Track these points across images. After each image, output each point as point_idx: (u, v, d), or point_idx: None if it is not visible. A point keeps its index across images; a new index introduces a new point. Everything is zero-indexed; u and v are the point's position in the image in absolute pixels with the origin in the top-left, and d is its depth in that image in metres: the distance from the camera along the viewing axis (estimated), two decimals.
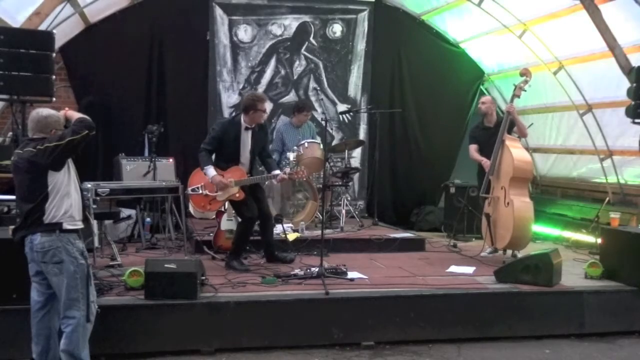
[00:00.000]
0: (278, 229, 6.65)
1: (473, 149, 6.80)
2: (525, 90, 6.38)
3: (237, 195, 5.75)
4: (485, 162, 6.50)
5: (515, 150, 6.23)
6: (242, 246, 5.96)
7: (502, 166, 6.30)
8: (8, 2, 6.18)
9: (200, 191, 5.85)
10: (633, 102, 6.26)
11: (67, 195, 3.78)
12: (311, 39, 8.97)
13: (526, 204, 6.20)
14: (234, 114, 8.67)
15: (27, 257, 3.83)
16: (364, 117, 9.18)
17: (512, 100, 6.44)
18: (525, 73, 6.42)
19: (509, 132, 6.44)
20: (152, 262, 4.79)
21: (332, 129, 9.05)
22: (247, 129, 5.84)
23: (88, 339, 3.86)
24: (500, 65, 9.18)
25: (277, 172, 5.96)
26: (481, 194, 6.55)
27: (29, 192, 3.74)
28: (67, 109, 4.05)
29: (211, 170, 5.69)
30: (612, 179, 7.85)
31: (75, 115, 3.92)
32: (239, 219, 5.97)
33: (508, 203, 6.15)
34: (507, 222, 6.13)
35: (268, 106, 8.85)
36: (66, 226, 3.76)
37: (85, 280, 3.80)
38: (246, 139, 5.87)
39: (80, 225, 3.89)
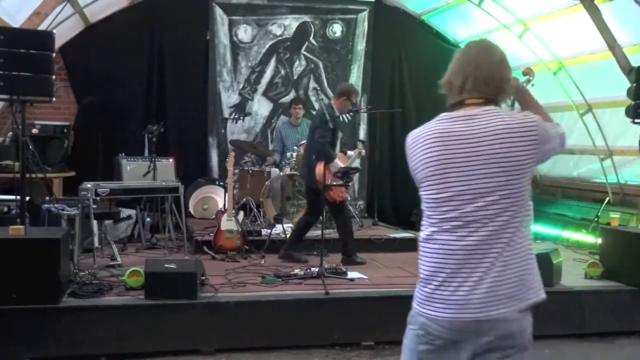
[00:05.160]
0: (278, 229, 6.65)
1: None
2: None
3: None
4: None
5: None
6: (302, 237, 6.20)
7: None
8: (8, 2, 6.17)
9: (336, 183, 5.94)
10: (633, 102, 6.25)
11: None
12: (311, 39, 8.97)
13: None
14: (233, 113, 8.71)
15: None
16: (364, 117, 9.18)
17: (513, 103, 6.38)
18: (527, 72, 6.31)
19: None
20: (152, 262, 4.80)
21: None
22: (337, 116, 6.10)
23: None
24: None
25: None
26: None
27: None
28: None
29: (339, 164, 5.93)
30: (612, 179, 7.85)
31: None
32: (306, 212, 6.27)
33: None
34: None
35: (268, 106, 8.90)
36: None
37: None
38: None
39: None
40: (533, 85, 6.65)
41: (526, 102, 2.46)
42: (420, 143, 2.15)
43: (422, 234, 2.12)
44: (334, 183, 5.83)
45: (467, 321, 1.98)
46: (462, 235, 2.01)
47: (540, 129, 2.03)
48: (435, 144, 2.10)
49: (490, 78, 2.13)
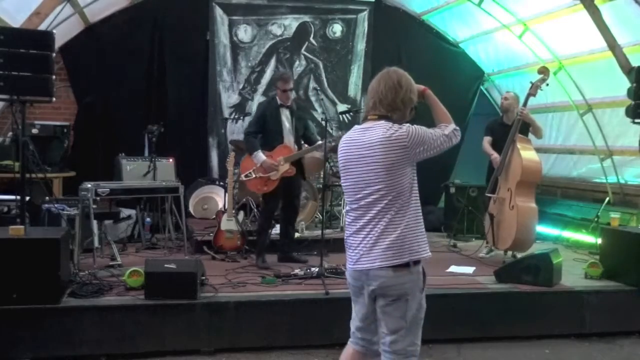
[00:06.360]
0: (278, 229, 6.63)
1: (486, 140, 6.67)
2: (542, 90, 6.23)
3: (289, 171, 5.90)
4: (495, 158, 6.41)
5: (525, 153, 6.11)
6: (262, 239, 6.07)
7: (510, 167, 6.20)
8: (8, 2, 6.17)
9: (254, 175, 5.91)
10: (633, 102, 6.24)
11: None
12: (311, 39, 8.97)
13: (531, 209, 6.12)
14: (233, 113, 8.72)
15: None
16: None
17: (526, 102, 6.24)
18: (543, 71, 6.15)
19: (524, 132, 6.34)
20: (152, 262, 4.80)
21: (332, 129, 9.04)
22: (282, 106, 5.95)
23: None
24: (500, 65, 9.18)
25: (320, 142, 6.03)
26: (487, 192, 6.49)
27: None
28: None
29: (260, 155, 5.82)
30: (612, 179, 7.85)
31: None
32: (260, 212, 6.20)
33: (513, 207, 6.08)
34: (511, 226, 6.08)
35: None
36: None
37: None
38: (285, 118, 5.97)
39: None
40: (548, 84, 6.56)
41: (432, 107, 3.18)
42: (340, 145, 3.01)
43: (345, 210, 2.93)
44: (254, 175, 5.89)
45: (360, 270, 2.91)
46: (361, 212, 2.90)
47: (410, 137, 2.82)
48: (344, 147, 2.97)
49: (384, 99, 2.90)
